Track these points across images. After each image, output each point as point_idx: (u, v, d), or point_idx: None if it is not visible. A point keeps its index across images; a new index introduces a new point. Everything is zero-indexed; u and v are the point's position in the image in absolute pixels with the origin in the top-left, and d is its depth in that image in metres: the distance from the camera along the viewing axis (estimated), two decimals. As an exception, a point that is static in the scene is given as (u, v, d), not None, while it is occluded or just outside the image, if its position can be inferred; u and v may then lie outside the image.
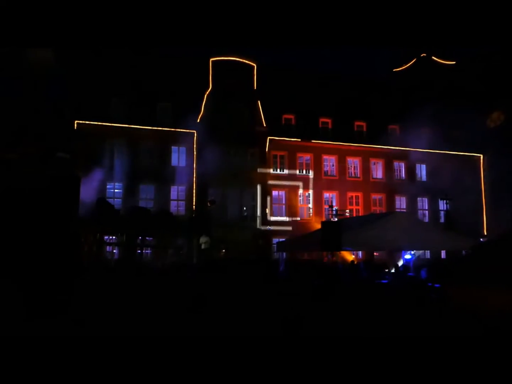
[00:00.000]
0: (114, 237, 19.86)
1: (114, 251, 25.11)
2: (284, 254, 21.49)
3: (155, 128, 29.42)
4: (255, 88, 31.90)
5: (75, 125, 28.23)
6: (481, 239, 26.85)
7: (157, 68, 30.06)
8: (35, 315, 7.46)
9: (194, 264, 20.44)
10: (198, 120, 30.25)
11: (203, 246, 21.49)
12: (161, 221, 18.98)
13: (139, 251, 21.92)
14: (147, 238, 19.63)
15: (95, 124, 28.43)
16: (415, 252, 19.12)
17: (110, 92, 29.03)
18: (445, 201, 28.66)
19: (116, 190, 28.97)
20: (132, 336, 7.46)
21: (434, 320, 7.67)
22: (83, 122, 28.29)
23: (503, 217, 29.68)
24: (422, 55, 40.85)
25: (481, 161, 36.72)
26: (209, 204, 27.93)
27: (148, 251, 25.32)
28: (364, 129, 34.73)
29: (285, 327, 7.65)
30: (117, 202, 27.41)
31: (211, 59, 31.30)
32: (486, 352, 5.82)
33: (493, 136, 34.49)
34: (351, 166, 34.35)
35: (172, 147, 30.34)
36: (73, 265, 9.19)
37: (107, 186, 28.50)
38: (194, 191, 29.84)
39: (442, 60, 40.68)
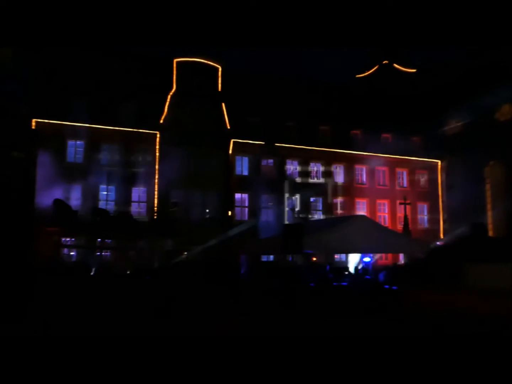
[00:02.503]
0: (72, 239, 19.43)
1: (72, 253, 24.57)
2: (246, 256, 21.49)
3: (117, 128, 28.89)
4: (219, 90, 31.81)
5: (33, 124, 27.41)
6: (437, 243, 27.56)
7: (120, 67, 29.57)
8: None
9: (155, 267, 20.20)
10: (161, 121, 29.93)
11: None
12: (122, 223, 18.69)
13: (99, 253, 21.52)
14: (106, 240, 19.30)
15: (55, 123, 27.69)
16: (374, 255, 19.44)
17: (72, 91, 28.34)
18: (404, 205, 29.29)
19: (75, 191, 28.26)
20: (90, 336, 7.33)
21: (390, 321, 7.81)
22: (42, 121, 27.50)
23: (459, 222, 30.56)
24: (384, 62, 41.74)
25: (439, 166, 37.75)
26: (171, 207, 27.67)
27: (108, 253, 24.85)
28: (328, 133, 35.12)
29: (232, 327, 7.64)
30: (76, 204, 26.79)
31: (175, 60, 31.01)
32: (438, 352, 5.95)
33: (451, 142, 35.55)
34: (314, 169, 34.64)
35: (134, 147, 29.85)
36: (26, 268, 8.93)
37: (66, 187, 27.76)
38: (156, 192, 29.48)
39: (403, 68, 41.67)
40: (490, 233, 31.44)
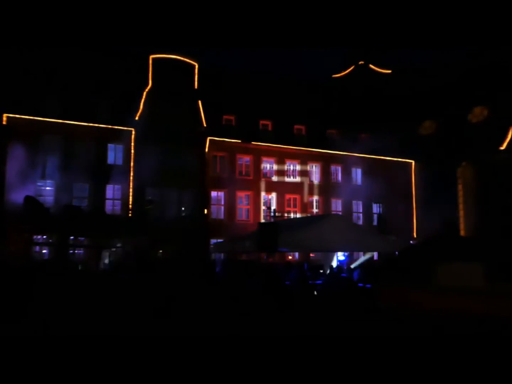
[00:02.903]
0: (44, 236, 19.09)
1: (44, 251, 24.09)
2: (222, 254, 21.44)
3: (92, 124, 28.46)
4: (196, 87, 31.63)
5: (4, 119, 26.82)
6: (411, 242, 27.99)
7: (96, 63, 29.15)
8: None
9: (129, 265, 20.02)
10: (137, 118, 29.60)
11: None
12: (95, 220, 18.43)
13: (71, 251, 21.20)
14: (80, 238, 19.02)
15: (27, 119, 27.10)
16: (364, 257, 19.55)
17: (46, 87, 27.83)
18: (378, 204, 29.64)
19: (48, 188, 27.75)
20: (62, 336, 7.23)
21: (363, 320, 7.90)
22: (14, 116, 26.92)
23: (432, 221, 31.07)
24: (360, 63, 42.15)
25: (413, 166, 38.31)
26: (147, 204, 27.41)
27: (81, 251, 24.51)
28: (304, 132, 35.32)
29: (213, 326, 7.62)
30: (49, 201, 26.35)
31: (151, 56, 30.72)
32: (410, 350, 6.03)
33: (425, 143, 36.14)
34: (289, 168, 34.81)
35: (109, 144, 29.46)
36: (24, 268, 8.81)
37: (38, 184, 27.24)
38: (130, 190, 29.15)
39: (379, 69, 42.14)
40: (462, 233, 32.09)
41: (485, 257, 8.20)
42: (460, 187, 34.07)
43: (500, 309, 5.83)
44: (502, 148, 32.20)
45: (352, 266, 17.55)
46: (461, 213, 33.57)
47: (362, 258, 18.50)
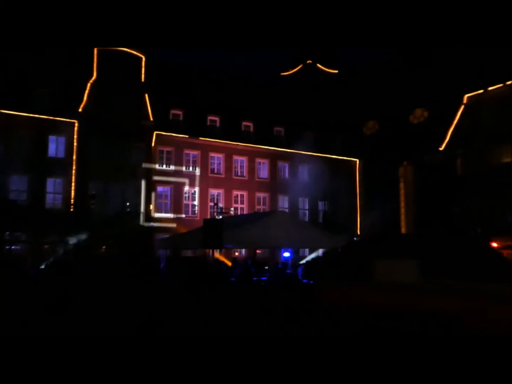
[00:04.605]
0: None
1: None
2: (167, 251, 21.13)
3: (30, 115, 27.25)
4: (142, 80, 31.00)
5: None
6: (355, 238, 28.65)
7: (36, 52, 27.94)
8: None
9: (68, 261, 19.43)
10: (80, 110, 28.66)
11: None
12: (33, 215, 17.70)
13: (8, 246, 20.35)
14: (16, 233, 18.25)
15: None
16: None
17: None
18: (323, 202, 30.15)
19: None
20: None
21: (304, 318, 7.96)
22: None
23: (375, 219, 31.96)
24: (308, 62, 42.70)
25: (357, 165, 39.23)
26: (90, 199, 26.64)
27: (18, 247, 23.51)
28: (251, 129, 35.40)
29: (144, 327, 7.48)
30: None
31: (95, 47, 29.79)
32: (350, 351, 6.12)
33: (368, 142, 37.11)
34: (237, 165, 34.81)
35: (50, 136, 28.34)
36: None
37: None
38: (73, 184, 28.21)
39: (326, 68, 42.85)
40: (403, 230, 33.22)
41: (421, 253, 8.48)
42: (401, 185, 35.24)
43: (432, 304, 6.04)
44: (441, 149, 33.53)
45: (301, 262, 17.80)
46: (402, 211, 34.74)
47: (312, 255, 18.77)
